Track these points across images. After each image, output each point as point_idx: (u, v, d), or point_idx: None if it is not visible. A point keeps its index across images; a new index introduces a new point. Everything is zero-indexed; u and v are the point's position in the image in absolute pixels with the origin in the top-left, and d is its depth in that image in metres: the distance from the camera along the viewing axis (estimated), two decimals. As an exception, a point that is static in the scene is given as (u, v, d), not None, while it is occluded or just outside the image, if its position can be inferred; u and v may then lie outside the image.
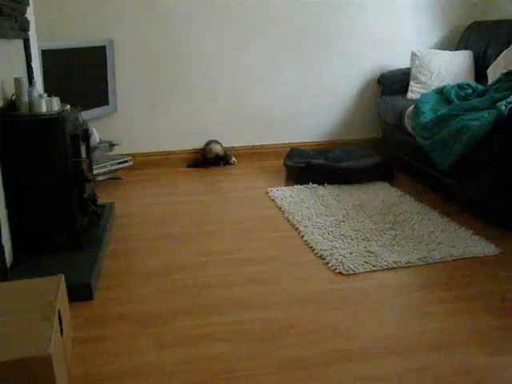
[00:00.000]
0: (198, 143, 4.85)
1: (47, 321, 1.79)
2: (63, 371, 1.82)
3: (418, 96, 4.35)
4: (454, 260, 2.86)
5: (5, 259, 2.52)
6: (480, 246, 2.98)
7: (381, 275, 2.72)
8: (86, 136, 3.05)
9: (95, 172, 3.77)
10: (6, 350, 1.63)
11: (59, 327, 1.87)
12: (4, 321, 1.80)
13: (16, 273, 2.59)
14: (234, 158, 4.80)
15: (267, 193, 3.99)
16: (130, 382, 1.95)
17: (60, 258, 2.77)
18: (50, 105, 2.78)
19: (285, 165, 4.44)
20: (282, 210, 3.63)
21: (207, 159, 4.77)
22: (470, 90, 3.96)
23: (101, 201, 3.41)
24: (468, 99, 3.81)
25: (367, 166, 4.16)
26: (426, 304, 2.44)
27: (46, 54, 3.73)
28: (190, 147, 4.87)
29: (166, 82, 4.70)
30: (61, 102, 2.91)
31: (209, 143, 4.80)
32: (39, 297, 1.96)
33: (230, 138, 4.89)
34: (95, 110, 4.34)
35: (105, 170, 4.19)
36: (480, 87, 3.96)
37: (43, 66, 3.67)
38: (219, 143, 4.79)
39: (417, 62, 4.63)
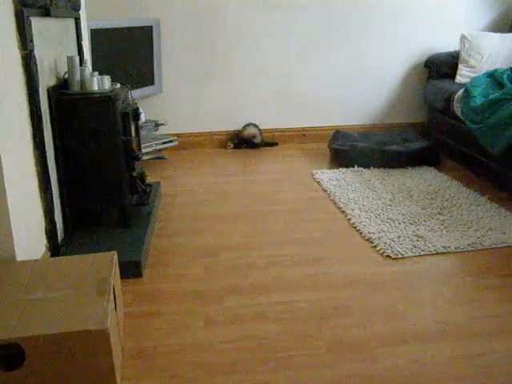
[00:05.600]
0: (241, 124, 4.84)
1: (103, 296, 1.81)
2: (118, 345, 1.85)
3: (467, 80, 4.27)
4: (505, 247, 2.80)
5: (57, 235, 2.56)
6: (531, 233, 2.92)
7: (430, 260, 2.69)
8: (136, 114, 3.07)
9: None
10: (66, 322, 1.66)
11: (114, 303, 1.90)
12: (61, 295, 1.83)
13: (67, 249, 2.64)
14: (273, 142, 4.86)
15: (312, 175, 3.98)
16: (181, 358, 1.97)
17: (109, 236, 2.81)
18: (101, 83, 2.80)
19: (329, 147, 4.41)
20: (328, 192, 3.61)
21: (243, 140, 4.80)
22: (524, 74, 3.87)
23: (147, 180, 3.43)
24: (521, 83, 3.72)
25: (413, 150, 4.11)
26: (477, 290, 2.41)
27: (95, 34, 3.76)
28: (233, 128, 4.86)
29: (210, 64, 4.70)
30: (111, 81, 2.93)
31: (246, 126, 4.80)
32: (93, 272, 1.99)
33: (273, 120, 4.88)
34: (141, 89, 4.37)
35: (150, 149, 4.23)
36: (534, 71, 3.87)
37: (92, 46, 3.70)
38: (256, 126, 4.79)
39: (466, 45, 4.53)
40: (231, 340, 2.07)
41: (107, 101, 2.71)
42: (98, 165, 2.78)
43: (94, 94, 2.74)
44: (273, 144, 4.84)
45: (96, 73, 2.85)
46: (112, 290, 1.89)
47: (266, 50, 4.74)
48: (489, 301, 2.32)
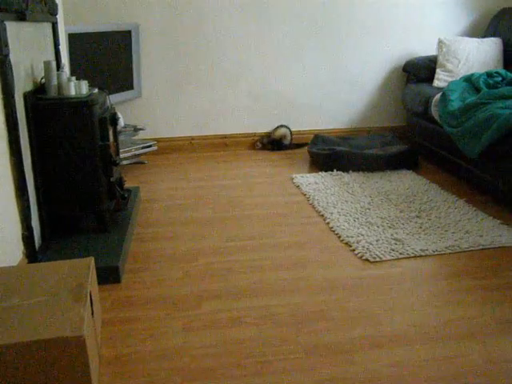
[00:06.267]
0: (222, 129, 4.85)
1: (79, 302, 1.80)
2: (94, 352, 1.84)
3: (445, 84, 4.31)
4: (481, 249, 2.83)
5: (34, 241, 2.54)
6: (508, 236, 2.95)
7: (407, 263, 2.71)
8: (114, 120, 3.06)
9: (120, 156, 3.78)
10: (41, 329, 1.64)
11: (90, 309, 1.88)
12: (36, 301, 1.81)
13: (44, 255, 2.62)
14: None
15: (292, 179, 3.99)
16: (158, 364, 1.96)
17: (87, 241, 2.79)
18: (78, 88, 2.79)
19: (309, 152, 4.42)
20: (307, 196, 3.62)
21: (274, 141, 4.88)
22: (500, 78, 3.90)
23: (126, 185, 3.42)
24: (497, 87, 3.76)
25: (392, 154, 4.13)
26: (454, 293, 2.42)
27: (73, 38, 3.74)
28: (213, 133, 4.86)
29: (189, 68, 4.69)
30: (89, 86, 2.91)
31: (278, 127, 4.89)
32: (70, 278, 1.97)
33: (253, 124, 4.89)
34: (120, 94, 4.36)
35: (129, 154, 4.21)
36: (510, 75, 3.91)
37: (69, 50, 3.68)
38: (287, 127, 4.89)
39: (444, 50, 4.57)
40: (209, 345, 2.07)
41: (84, 106, 2.69)
42: (76, 170, 2.76)
43: (71, 98, 2.72)
44: (302, 145, 4.88)
45: (73, 78, 2.83)
46: (88, 297, 1.88)
47: (244, 55, 4.74)
48: (465, 303, 2.34)
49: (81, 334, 1.62)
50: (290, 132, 4.88)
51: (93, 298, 1.99)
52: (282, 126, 4.88)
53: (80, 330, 1.63)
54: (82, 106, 2.69)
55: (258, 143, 4.90)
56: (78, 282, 1.95)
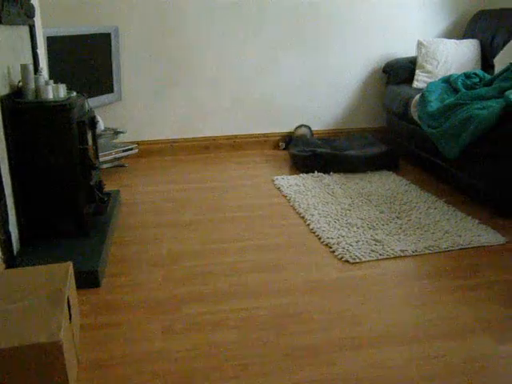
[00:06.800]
0: (203, 132, 4.84)
1: (57, 307, 1.79)
2: (73, 357, 1.83)
3: (424, 85, 4.34)
4: (460, 249, 2.86)
5: (12, 246, 2.52)
6: (486, 236, 2.98)
7: (387, 264, 2.72)
8: (93, 123, 3.04)
9: (100, 160, 3.76)
10: (17, 335, 1.63)
11: (68, 314, 1.87)
12: (14, 307, 1.80)
13: (23, 260, 2.60)
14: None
15: (273, 181, 3.99)
16: (137, 369, 1.95)
17: (67, 245, 2.77)
18: (56, 92, 2.77)
19: (290, 153, 4.43)
20: (288, 198, 3.63)
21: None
22: (477, 79, 3.94)
23: (106, 188, 3.40)
24: (475, 88, 3.79)
25: (372, 155, 4.15)
26: (433, 293, 2.44)
27: (51, 41, 3.71)
28: (194, 135, 4.85)
29: (170, 71, 4.67)
30: (67, 89, 2.90)
31: (298, 126, 4.95)
32: (48, 283, 1.96)
33: (234, 127, 4.89)
34: (100, 97, 4.33)
35: (109, 157, 4.18)
36: (487, 76, 3.94)
37: (48, 53, 3.65)
38: (308, 127, 4.96)
39: (423, 51, 4.60)
40: (189, 348, 2.06)
41: (62, 109, 2.68)
42: (54, 174, 2.75)
43: (48, 102, 2.71)
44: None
45: (51, 81, 2.82)
46: (66, 302, 1.86)
47: (225, 57, 4.74)
48: (444, 303, 2.35)
49: (58, 339, 1.61)
50: (311, 131, 4.93)
51: (71, 302, 1.98)
52: (302, 125, 4.95)
53: (57, 336, 1.62)
54: (60, 109, 2.68)
55: (281, 143, 4.94)
56: (55, 287, 1.94)
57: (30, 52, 3.17)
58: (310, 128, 4.95)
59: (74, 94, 2.92)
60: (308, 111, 5.00)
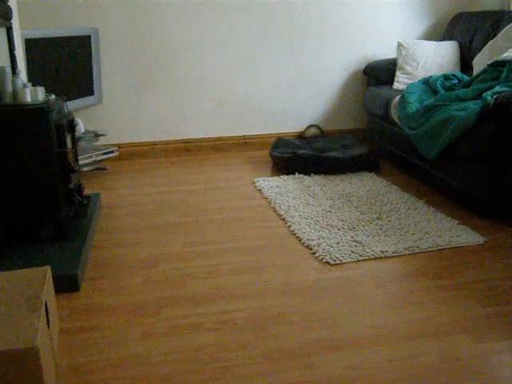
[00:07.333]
0: (184, 134, 4.83)
1: (34, 312, 1.78)
2: (50, 363, 1.81)
3: (404, 86, 4.36)
4: (440, 249, 2.87)
5: (-10, 250, 2.50)
6: (466, 236, 3.00)
7: (367, 265, 2.73)
8: (72, 126, 3.03)
9: (80, 163, 3.74)
10: (-7, 341, 1.62)
11: (46, 319, 1.86)
12: (-10, 312, 1.79)
13: (1, 264, 2.58)
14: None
15: (254, 183, 3.99)
16: (117, 373, 1.94)
17: (46, 249, 2.75)
18: (34, 94, 2.75)
19: (271, 155, 4.43)
20: (269, 200, 3.63)
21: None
22: (456, 81, 3.97)
23: (86, 191, 3.39)
24: (454, 90, 3.81)
25: (353, 156, 4.17)
26: (413, 293, 2.45)
27: (30, 43, 3.69)
28: (175, 137, 4.84)
29: (151, 73, 4.67)
30: (45, 92, 2.88)
31: (309, 127, 5.01)
32: (25, 288, 1.95)
33: (216, 128, 4.88)
34: (80, 100, 4.31)
35: (90, 160, 4.17)
36: (466, 78, 3.97)
37: (27, 56, 3.62)
38: (318, 127, 5.01)
39: (403, 53, 4.63)
40: (168, 352, 2.05)
41: (40, 112, 2.66)
42: (33, 178, 2.73)
43: (26, 105, 2.69)
44: None
45: (29, 84, 2.79)
46: (44, 306, 1.85)
47: (207, 59, 4.73)
48: (423, 303, 2.36)
49: (34, 345, 1.60)
50: (321, 131, 4.96)
51: (49, 307, 1.97)
52: (312, 125, 4.99)
53: (33, 342, 1.61)
54: (38, 112, 2.66)
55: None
56: (33, 291, 1.93)
57: (8, 54, 3.14)
58: (320, 128, 4.98)
59: (53, 96, 2.90)
60: (289, 113, 5.01)
